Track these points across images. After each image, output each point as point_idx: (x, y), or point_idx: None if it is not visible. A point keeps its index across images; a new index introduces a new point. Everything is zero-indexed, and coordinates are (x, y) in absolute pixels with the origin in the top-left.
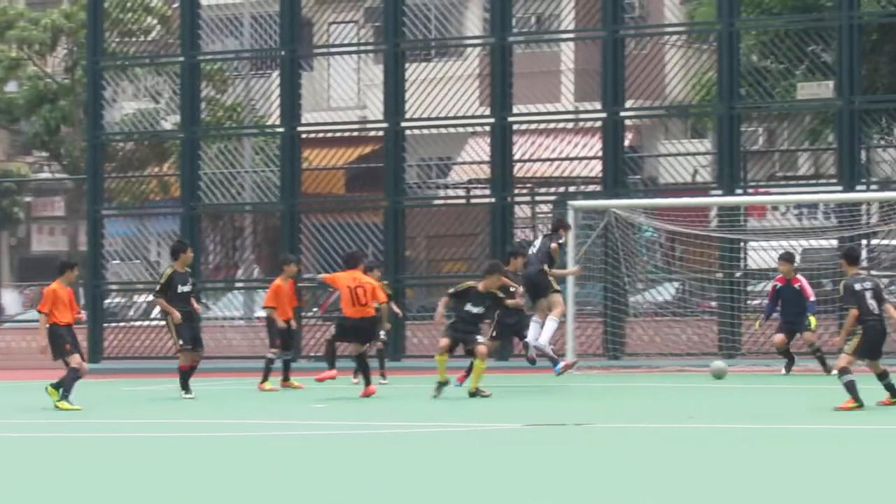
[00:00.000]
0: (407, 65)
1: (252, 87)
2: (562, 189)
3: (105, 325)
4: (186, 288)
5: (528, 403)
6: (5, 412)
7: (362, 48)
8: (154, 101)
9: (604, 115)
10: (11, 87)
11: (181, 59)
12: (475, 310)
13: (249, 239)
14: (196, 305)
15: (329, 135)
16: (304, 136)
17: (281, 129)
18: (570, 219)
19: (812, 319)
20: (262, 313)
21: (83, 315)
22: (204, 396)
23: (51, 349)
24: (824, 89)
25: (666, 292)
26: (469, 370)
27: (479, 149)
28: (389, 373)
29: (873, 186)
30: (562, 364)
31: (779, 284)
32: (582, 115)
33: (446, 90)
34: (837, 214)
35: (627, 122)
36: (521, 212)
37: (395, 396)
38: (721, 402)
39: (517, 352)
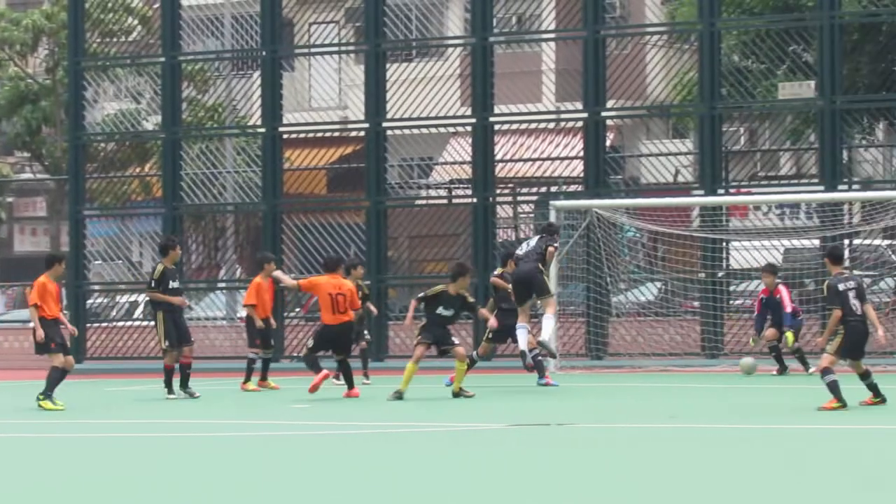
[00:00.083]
0: (388, 65)
1: (233, 88)
2: (543, 189)
3: (88, 325)
4: (176, 284)
5: (512, 404)
6: None
7: (343, 48)
8: (135, 101)
9: (585, 115)
10: None
11: (162, 59)
12: (447, 313)
13: (231, 239)
14: (185, 301)
15: (310, 135)
16: (285, 136)
17: (262, 130)
18: (552, 218)
19: (789, 336)
20: (244, 313)
21: (65, 315)
22: (187, 397)
23: (35, 344)
24: (805, 89)
25: (648, 292)
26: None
27: (461, 149)
28: (372, 373)
29: (855, 186)
30: (546, 378)
31: (764, 297)
32: (563, 115)
33: (428, 90)
34: (819, 214)
35: (609, 122)
36: (503, 212)
37: (378, 397)
38: (704, 401)
39: (502, 352)
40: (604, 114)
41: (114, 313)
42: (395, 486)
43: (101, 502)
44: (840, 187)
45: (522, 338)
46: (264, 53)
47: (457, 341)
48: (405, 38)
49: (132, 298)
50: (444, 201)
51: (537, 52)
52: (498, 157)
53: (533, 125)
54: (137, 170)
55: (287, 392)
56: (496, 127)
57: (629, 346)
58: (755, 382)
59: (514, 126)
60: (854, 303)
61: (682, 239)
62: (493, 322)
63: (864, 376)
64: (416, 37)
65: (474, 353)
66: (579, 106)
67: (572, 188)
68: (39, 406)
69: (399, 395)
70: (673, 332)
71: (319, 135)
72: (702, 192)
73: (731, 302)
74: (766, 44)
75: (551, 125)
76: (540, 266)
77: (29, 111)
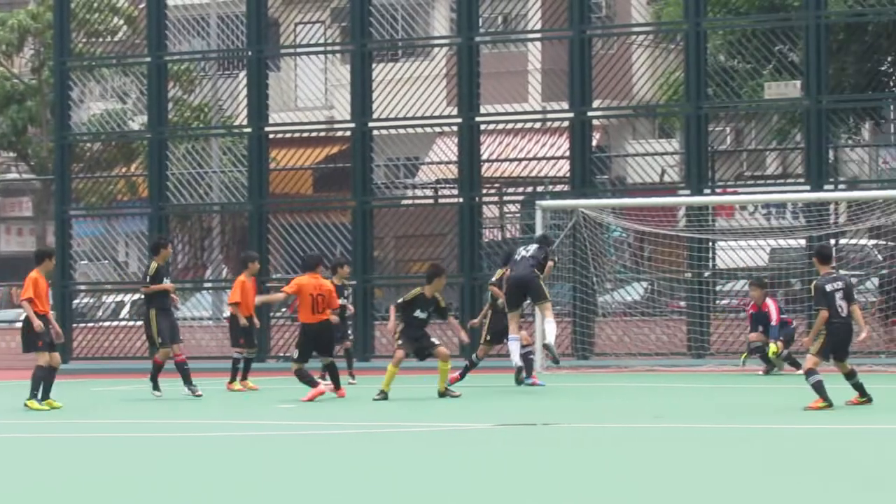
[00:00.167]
0: (374, 65)
1: (219, 88)
2: (530, 189)
3: (74, 325)
4: (168, 281)
5: (498, 403)
6: None
7: (329, 48)
8: (121, 101)
9: (571, 114)
10: None
11: (148, 59)
12: (423, 315)
13: (218, 239)
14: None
15: (296, 135)
16: (271, 136)
17: (248, 130)
18: (538, 218)
19: (772, 346)
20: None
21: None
22: (174, 397)
23: (23, 341)
24: (791, 89)
25: (635, 292)
26: (463, 372)
27: (447, 149)
28: (358, 373)
29: (841, 186)
30: (532, 378)
31: (753, 312)
32: (549, 115)
33: (413, 90)
34: (805, 214)
35: (595, 121)
36: (490, 212)
37: (364, 397)
38: (690, 401)
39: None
40: (590, 114)
41: (100, 313)
42: (381, 486)
43: (87, 502)
44: (826, 187)
45: (515, 352)
46: (250, 53)
47: (437, 342)
48: (391, 38)
49: (118, 298)
50: (431, 201)
51: (523, 51)
52: (484, 156)
53: (519, 125)
54: (123, 170)
55: (273, 392)
56: (482, 127)
57: (615, 345)
58: (741, 382)
59: (501, 126)
60: (840, 304)
61: (669, 239)
62: (463, 337)
63: (850, 376)
64: (402, 37)
65: (473, 355)
66: (565, 106)
67: (558, 188)
68: (26, 406)
69: (384, 396)
70: (659, 332)
71: (305, 135)
72: (688, 191)
73: (717, 302)
74: (752, 43)
75: (537, 125)
76: (536, 270)
77: (15, 111)
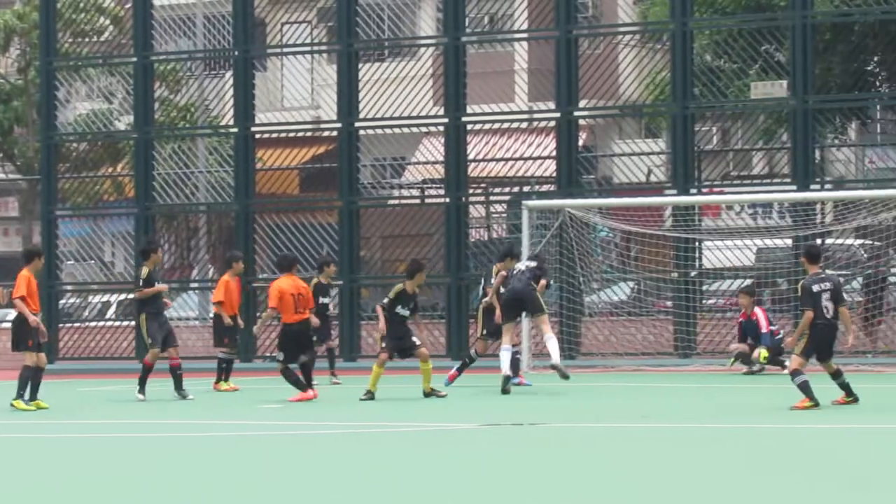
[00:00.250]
0: (360, 65)
1: (205, 88)
2: (516, 189)
3: (60, 325)
4: (160, 285)
5: (485, 403)
6: None
7: (316, 48)
8: (107, 101)
9: (558, 114)
10: None
11: (134, 59)
12: (405, 312)
13: (204, 239)
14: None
15: (283, 135)
16: (257, 136)
17: (235, 130)
18: (525, 218)
19: (762, 352)
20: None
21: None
22: (160, 397)
23: (13, 340)
24: (778, 89)
25: (621, 292)
26: (460, 368)
27: (434, 149)
28: (345, 373)
29: (827, 186)
30: (519, 378)
31: (742, 321)
32: (536, 115)
33: (400, 90)
34: (792, 214)
35: (581, 121)
36: (476, 211)
37: (350, 397)
38: (676, 401)
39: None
40: (576, 113)
41: (86, 313)
42: (367, 486)
43: (73, 502)
44: (812, 187)
45: (506, 362)
46: (236, 53)
47: (418, 342)
48: (377, 38)
49: (104, 299)
50: (417, 201)
51: (510, 51)
52: (470, 156)
53: (505, 125)
54: (110, 170)
55: (259, 392)
56: (469, 127)
57: (602, 345)
58: (728, 382)
59: (487, 126)
60: (826, 304)
61: (655, 238)
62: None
63: (836, 375)
64: (389, 37)
65: (472, 351)
66: (552, 106)
67: (545, 188)
68: (12, 406)
69: (371, 396)
70: (646, 332)
71: (292, 135)
72: (674, 191)
73: (703, 301)
74: (739, 43)
75: (524, 125)
76: (532, 283)
77: (1, 111)
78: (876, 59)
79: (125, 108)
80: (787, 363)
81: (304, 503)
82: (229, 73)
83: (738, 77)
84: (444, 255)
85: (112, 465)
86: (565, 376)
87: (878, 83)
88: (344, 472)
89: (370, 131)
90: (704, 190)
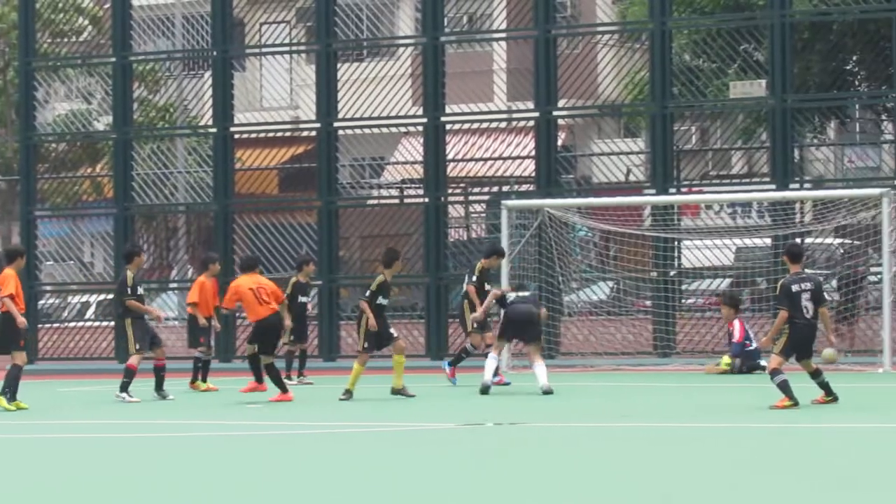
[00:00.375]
0: (339, 65)
1: (184, 88)
2: (495, 189)
3: (39, 325)
4: (141, 290)
5: (464, 403)
6: None
7: (294, 48)
8: (86, 101)
9: (536, 114)
10: None
11: (113, 59)
12: (385, 302)
13: (183, 239)
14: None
15: (262, 135)
16: (236, 136)
17: (213, 130)
18: (504, 218)
19: (724, 359)
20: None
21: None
22: (142, 398)
23: (0, 338)
24: (757, 88)
25: (600, 291)
26: (454, 362)
27: (413, 149)
28: (324, 373)
29: (806, 185)
30: (499, 377)
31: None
32: (515, 115)
33: (379, 90)
34: (771, 213)
35: (560, 121)
36: (455, 211)
37: (329, 397)
38: (656, 400)
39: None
40: (555, 113)
41: (65, 314)
42: (346, 486)
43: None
44: (792, 186)
45: (490, 370)
46: (215, 53)
47: (396, 333)
48: (356, 38)
49: (84, 299)
50: (396, 201)
51: (488, 51)
52: (449, 156)
53: (484, 125)
54: (89, 170)
55: (238, 392)
56: (448, 126)
57: (581, 345)
58: (707, 381)
59: (466, 126)
60: (806, 304)
61: (634, 238)
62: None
63: (815, 375)
64: (367, 36)
65: (467, 344)
66: (531, 105)
67: (524, 188)
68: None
69: (350, 395)
70: (625, 332)
71: (271, 135)
72: (653, 191)
73: (683, 301)
74: (717, 43)
75: (503, 125)
76: (534, 308)
77: None
78: (854, 58)
79: (104, 108)
80: (763, 363)
81: (281, 503)
82: (208, 74)
83: (717, 76)
84: (423, 255)
85: (93, 465)
86: (550, 392)
87: (856, 82)
88: (323, 472)
89: (349, 131)
90: (683, 189)
